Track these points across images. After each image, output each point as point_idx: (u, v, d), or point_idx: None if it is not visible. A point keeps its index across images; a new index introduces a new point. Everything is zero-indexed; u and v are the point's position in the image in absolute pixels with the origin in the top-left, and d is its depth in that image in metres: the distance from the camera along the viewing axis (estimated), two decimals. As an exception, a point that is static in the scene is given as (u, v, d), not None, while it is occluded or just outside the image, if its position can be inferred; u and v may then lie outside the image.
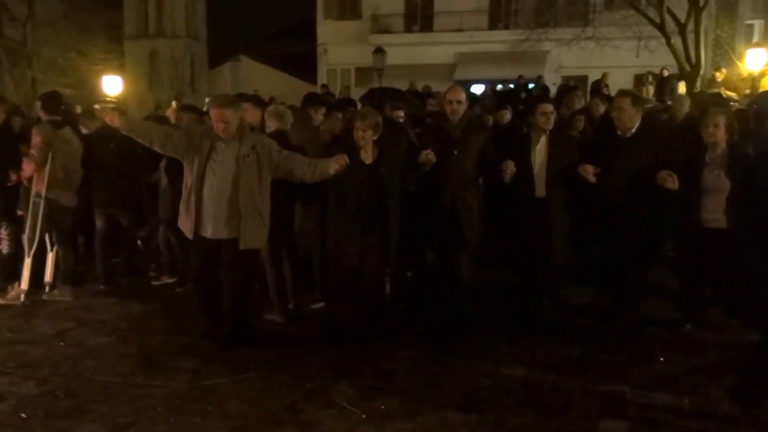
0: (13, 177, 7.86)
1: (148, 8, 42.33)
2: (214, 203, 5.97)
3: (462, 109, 6.55)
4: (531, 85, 21.96)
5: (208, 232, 6.04)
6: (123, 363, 5.88)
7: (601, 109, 10.13)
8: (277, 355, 6.05)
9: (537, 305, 6.83)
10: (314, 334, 6.53)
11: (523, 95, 19.29)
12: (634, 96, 6.55)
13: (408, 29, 32.84)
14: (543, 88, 21.02)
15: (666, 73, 19.10)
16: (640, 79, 20.75)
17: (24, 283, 7.62)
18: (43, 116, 7.73)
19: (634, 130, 6.35)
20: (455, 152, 6.44)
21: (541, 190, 6.55)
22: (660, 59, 20.83)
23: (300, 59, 37.12)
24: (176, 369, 5.73)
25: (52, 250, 7.81)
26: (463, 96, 6.59)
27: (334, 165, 5.90)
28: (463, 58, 30.96)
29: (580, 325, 6.67)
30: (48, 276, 7.80)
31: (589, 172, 6.24)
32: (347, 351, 6.13)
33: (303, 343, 6.34)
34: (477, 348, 6.18)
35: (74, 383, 5.49)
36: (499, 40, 27.16)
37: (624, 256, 6.40)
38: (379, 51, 26.57)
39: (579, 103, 10.33)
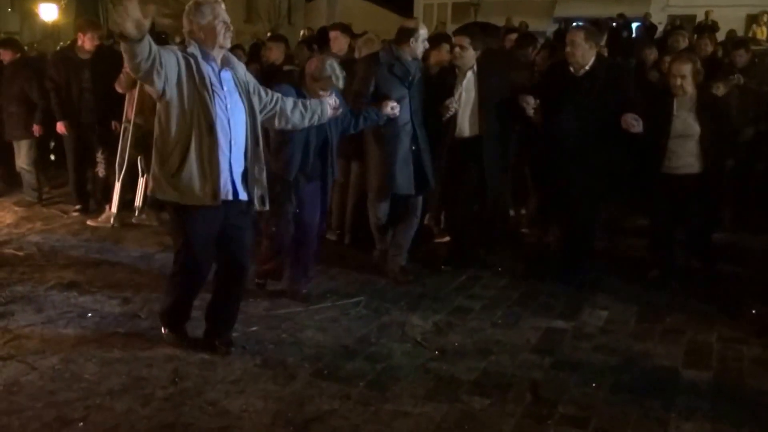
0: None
1: (248, -62, 42.20)
2: (234, 151, 4.48)
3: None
4: (635, 24, 21.06)
5: (229, 194, 4.50)
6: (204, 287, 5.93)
7: (709, 49, 9.64)
8: (355, 288, 6.04)
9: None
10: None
11: (625, 34, 18.51)
12: (589, 30, 6.08)
13: (510, -38, 31.95)
14: (648, 28, 20.15)
15: (781, 13, 17.86)
16: (752, 20, 19.60)
17: (113, 207, 7.82)
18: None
19: (588, 68, 5.94)
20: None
21: (471, 129, 6.23)
22: (776, -3, 19.47)
23: (397, -6, 36.64)
24: (255, 296, 5.75)
25: (142, 175, 7.95)
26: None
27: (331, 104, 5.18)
28: (564, -6, 30.05)
29: (665, 272, 6.36)
30: (137, 200, 7.98)
31: (529, 103, 5.92)
32: (425, 286, 6.09)
33: (382, 276, 6.29)
34: (557, 291, 6.02)
35: (155, 305, 5.55)
36: (604, -26, 25.89)
37: (575, 198, 6.08)
38: (476, -15, 26.08)
39: (683, 44, 9.81)
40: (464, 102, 6.22)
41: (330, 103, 5.14)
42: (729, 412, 4.10)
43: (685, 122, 5.90)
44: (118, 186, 7.80)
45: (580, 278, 6.14)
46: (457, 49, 6.22)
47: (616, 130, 5.75)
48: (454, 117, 6.20)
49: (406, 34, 6.09)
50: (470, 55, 6.19)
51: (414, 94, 6.08)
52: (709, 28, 16.58)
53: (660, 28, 20.14)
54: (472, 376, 4.51)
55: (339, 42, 7.41)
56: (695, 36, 11.51)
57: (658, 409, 4.12)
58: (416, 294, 5.91)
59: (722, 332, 5.23)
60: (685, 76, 5.85)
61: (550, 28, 21.45)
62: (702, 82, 5.99)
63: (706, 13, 19.01)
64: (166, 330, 4.94)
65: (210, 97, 4.33)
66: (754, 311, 5.62)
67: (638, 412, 4.08)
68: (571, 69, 6.02)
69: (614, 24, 20.23)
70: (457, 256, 6.60)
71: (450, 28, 20.64)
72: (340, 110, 5.30)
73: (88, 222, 7.88)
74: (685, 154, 5.90)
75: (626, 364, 4.71)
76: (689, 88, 5.88)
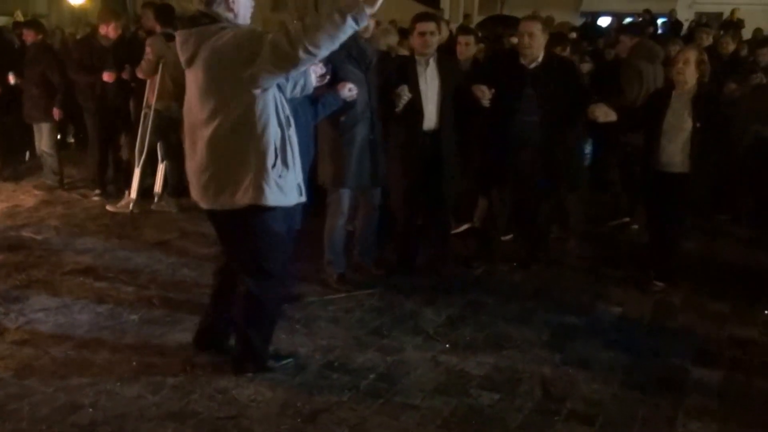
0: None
1: None
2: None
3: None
4: (661, 20, 20.87)
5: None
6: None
7: (731, 47, 9.57)
8: (370, 278, 6.01)
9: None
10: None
11: (650, 30, 18.33)
12: (544, 21, 6.00)
13: (538, -45, 31.74)
14: (674, 24, 19.99)
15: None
16: (781, 17, 19.41)
17: (133, 193, 7.85)
18: (157, 28, 7.83)
19: (540, 60, 5.84)
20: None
21: (431, 122, 5.88)
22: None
23: (425, -16, 36.46)
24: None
25: (161, 162, 7.99)
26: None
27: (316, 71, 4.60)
28: (590, -12, 29.76)
29: (682, 270, 6.27)
30: (157, 187, 8.02)
31: (485, 93, 5.66)
32: (440, 279, 6.07)
33: (398, 268, 6.26)
34: (571, 286, 6.01)
35: (171, 292, 5.64)
36: (632, -30, 25.65)
37: (528, 195, 6.07)
38: (502, -22, 25.98)
39: (708, 41, 9.74)
40: (429, 92, 5.87)
41: (315, 69, 4.52)
42: (737, 413, 4.08)
43: (678, 116, 5.65)
44: (137, 172, 7.84)
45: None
46: (428, 36, 5.82)
47: (572, 122, 5.82)
48: (420, 108, 5.81)
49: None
50: (437, 39, 5.96)
51: (371, 80, 5.70)
52: (734, 25, 16.42)
53: (686, 25, 19.94)
54: (482, 370, 4.52)
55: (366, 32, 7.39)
56: (721, 33, 11.42)
57: (667, 408, 4.11)
58: (430, 287, 5.89)
59: (734, 332, 5.20)
60: (687, 61, 5.63)
61: (577, 23, 21.26)
62: (704, 78, 5.76)
63: (732, 11, 18.79)
64: (262, 366, 4.40)
65: (284, 85, 3.97)
66: (766, 312, 5.57)
67: (646, 410, 4.07)
68: (522, 61, 5.91)
69: (640, 19, 20.08)
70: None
71: (476, 19, 20.58)
72: (327, 77, 4.80)
73: (108, 207, 7.91)
74: (675, 151, 5.65)
75: (637, 361, 4.69)
76: (690, 77, 5.65)
